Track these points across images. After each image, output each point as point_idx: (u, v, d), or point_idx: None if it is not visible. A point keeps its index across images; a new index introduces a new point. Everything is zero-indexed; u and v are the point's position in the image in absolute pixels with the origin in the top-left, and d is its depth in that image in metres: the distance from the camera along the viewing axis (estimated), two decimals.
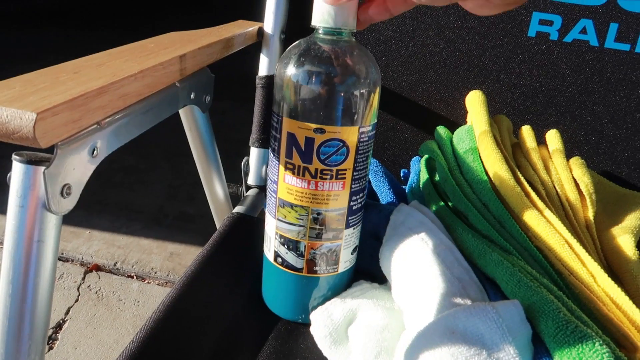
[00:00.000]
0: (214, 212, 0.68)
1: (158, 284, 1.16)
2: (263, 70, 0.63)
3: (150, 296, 1.13)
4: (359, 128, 0.37)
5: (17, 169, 0.29)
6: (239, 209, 0.62)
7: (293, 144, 0.37)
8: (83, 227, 1.33)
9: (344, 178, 0.38)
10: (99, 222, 1.35)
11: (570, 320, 0.30)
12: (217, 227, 0.71)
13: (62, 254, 1.23)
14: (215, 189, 0.64)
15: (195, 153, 0.59)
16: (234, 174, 0.70)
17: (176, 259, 1.23)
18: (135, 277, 1.18)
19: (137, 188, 1.49)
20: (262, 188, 0.69)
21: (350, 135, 0.36)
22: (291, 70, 0.36)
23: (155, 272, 1.19)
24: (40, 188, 0.29)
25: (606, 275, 0.35)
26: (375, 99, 0.37)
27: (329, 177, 0.37)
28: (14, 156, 0.29)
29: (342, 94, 0.35)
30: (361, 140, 0.37)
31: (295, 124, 0.36)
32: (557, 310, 0.31)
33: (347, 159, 0.37)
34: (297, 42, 0.38)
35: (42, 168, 0.29)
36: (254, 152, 0.67)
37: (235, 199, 0.72)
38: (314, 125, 0.36)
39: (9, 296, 0.30)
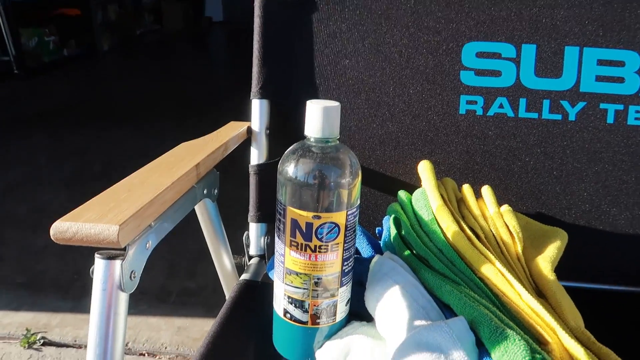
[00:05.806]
0: (222, 281, 0.80)
1: (169, 359, 1.24)
2: (254, 160, 0.77)
3: None
4: (347, 211, 0.47)
5: (100, 264, 0.42)
6: (245, 276, 0.74)
7: (296, 227, 0.46)
8: None
9: (337, 250, 0.48)
10: None
11: (499, 326, 0.43)
12: (227, 294, 0.83)
13: (75, 341, 1.30)
14: (223, 262, 0.76)
15: (207, 234, 0.71)
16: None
17: (184, 333, 1.32)
18: (147, 354, 1.25)
19: None
20: (261, 256, 0.81)
21: (340, 218, 0.46)
22: (291, 172, 0.46)
23: (166, 347, 1.27)
24: (116, 275, 0.42)
25: (527, 293, 0.48)
26: (357, 186, 0.47)
27: (325, 250, 0.47)
28: (96, 255, 0.42)
29: (332, 190, 0.45)
30: (349, 220, 0.47)
31: (297, 212, 0.46)
32: (490, 320, 0.43)
33: (338, 236, 0.47)
34: (293, 146, 0.48)
35: (120, 262, 0.41)
36: (253, 227, 0.79)
37: (239, 268, 0.83)
38: (312, 214, 0.45)
39: (96, 356, 0.42)
